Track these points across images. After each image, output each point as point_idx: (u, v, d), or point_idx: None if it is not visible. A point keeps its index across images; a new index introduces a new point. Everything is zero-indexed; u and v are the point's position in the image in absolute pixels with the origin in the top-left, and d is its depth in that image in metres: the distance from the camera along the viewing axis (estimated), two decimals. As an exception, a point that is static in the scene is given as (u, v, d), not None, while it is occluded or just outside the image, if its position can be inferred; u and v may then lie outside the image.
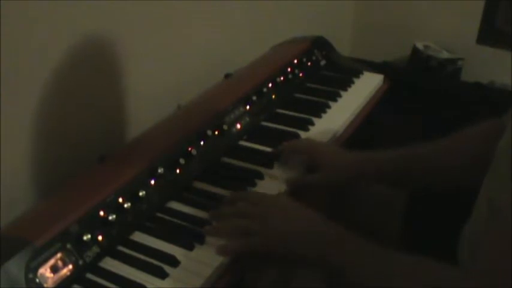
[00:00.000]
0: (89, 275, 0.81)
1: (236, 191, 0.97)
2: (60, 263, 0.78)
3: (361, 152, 1.06)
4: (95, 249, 0.83)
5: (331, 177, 1.04)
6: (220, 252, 0.84)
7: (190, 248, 0.85)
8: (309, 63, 1.46)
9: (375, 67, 1.57)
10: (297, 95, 1.38)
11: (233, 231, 0.86)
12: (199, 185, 1.02)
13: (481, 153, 0.89)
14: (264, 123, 1.24)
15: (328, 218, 0.84)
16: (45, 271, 0.76)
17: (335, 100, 1.34)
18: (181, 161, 1.00)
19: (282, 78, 1.34)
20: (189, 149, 1.03)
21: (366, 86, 1.42)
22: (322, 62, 1.52)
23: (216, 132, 1.10)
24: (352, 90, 1.40)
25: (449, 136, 1.00)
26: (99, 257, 0.83)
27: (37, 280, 0.75)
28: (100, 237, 0.84)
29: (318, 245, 0.80)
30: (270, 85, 1.30)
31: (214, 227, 0.89)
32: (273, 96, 1.30)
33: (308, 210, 0.87)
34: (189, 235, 0.88)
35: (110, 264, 0.83)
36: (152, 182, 0.94)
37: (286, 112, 1.29)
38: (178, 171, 0.99)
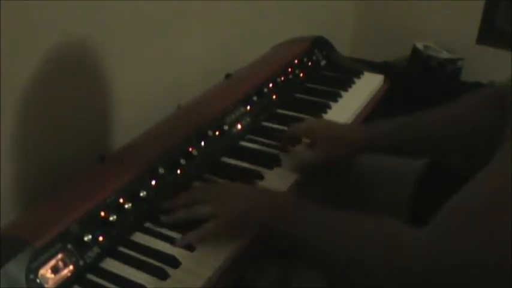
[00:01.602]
0: (90, 276, 0.81)
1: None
2: (60, 264, 0.78)
3: (359, 125, 1.07)
4: (96, 250, 0.82)
5: (330, 153, 1.06)
6: (185, 241, 0.85)
7: (191, 248, 0.85)
8: (310, 63, 1.46)
9: (374, 67, 1.57)
10: (298, 95, 1.37)
11: (194, 216, 0.88)
12: (200, 185, 1.01)
13: (483, 118, 0.92)
14: (265, 124, 1.24)
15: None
16: (46, 272, 0.76)
17: (335, 100, 1.34)
18: (182, 161, 0.99)
19: (282, 79, 1.34)
20: (190, 149, 1.02)
21: (367, 86, 1.43)
22: (323, 62, 1.52)
23: (217, 133, 1.10)
24: (352, 90, 1.40)
25: (449, 104, 1.00)
26: (100, 257, 0.83)
27: (38, 281, 0.75)
28: (101, 238, 0.83)
29: (267, 211, 0.85)
30: (271, 85, 1.30)
31: (170, 216, 0.90)
32: (274, 97, 1.30)
33: (255, 186, 0.98)
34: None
35: (111, 264, 0.83)
36: (153, 182, 0.94)
37: (287, 112, 1.29)
38: (178, 171, 0.99)
